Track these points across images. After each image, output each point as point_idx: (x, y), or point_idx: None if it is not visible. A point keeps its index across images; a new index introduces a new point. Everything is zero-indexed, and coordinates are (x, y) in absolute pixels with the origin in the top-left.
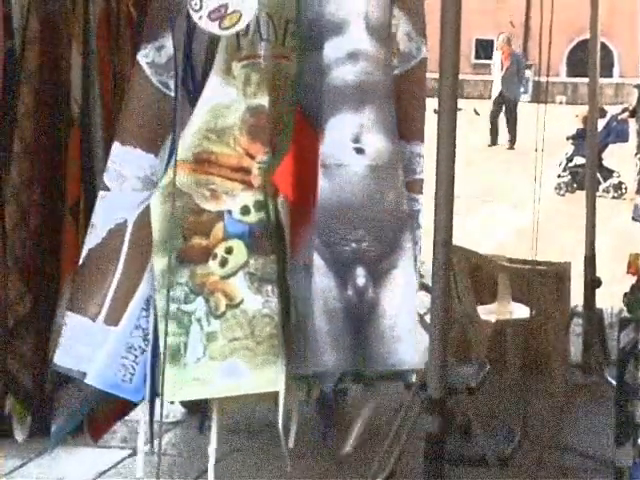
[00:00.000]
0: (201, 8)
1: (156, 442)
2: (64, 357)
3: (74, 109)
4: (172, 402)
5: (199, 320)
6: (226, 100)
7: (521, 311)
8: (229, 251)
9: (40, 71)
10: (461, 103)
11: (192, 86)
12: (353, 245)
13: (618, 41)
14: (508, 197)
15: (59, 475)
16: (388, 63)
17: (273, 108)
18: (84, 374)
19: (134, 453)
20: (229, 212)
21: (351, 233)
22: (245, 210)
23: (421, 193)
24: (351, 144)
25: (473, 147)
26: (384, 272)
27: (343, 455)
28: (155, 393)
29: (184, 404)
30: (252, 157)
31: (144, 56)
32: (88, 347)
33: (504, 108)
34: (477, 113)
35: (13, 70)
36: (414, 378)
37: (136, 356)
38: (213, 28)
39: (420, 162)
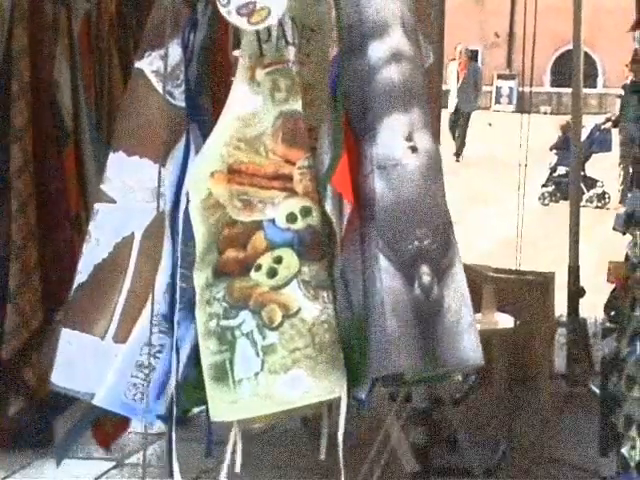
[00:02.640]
0: (229, 3)
1: (141, 454)
2: (65, 378)
3: (68, 124)
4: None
5: (248, 335)
6: (252, 108)
7: (506, 321)
8: (278, 261)
9: (32, 87)
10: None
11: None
12: (416, 243)
13: (602, 52)
14: (492, 207)
15: None
16: (423, 66)
17: (306, 112)
18: (92, 395)
19: (119, 464)
20: (272, 221)
21: (413, 232)
22: (292, 217)
23: None
24: (405, 143)
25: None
26: (445, 269)
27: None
28: (172, 409)
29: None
30: (292, 163)
31: (148, 64)
32: (95, 367)
33: (458, 119)
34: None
35: (2, 87)
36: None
37: (146, 375)
38: (242, 23)
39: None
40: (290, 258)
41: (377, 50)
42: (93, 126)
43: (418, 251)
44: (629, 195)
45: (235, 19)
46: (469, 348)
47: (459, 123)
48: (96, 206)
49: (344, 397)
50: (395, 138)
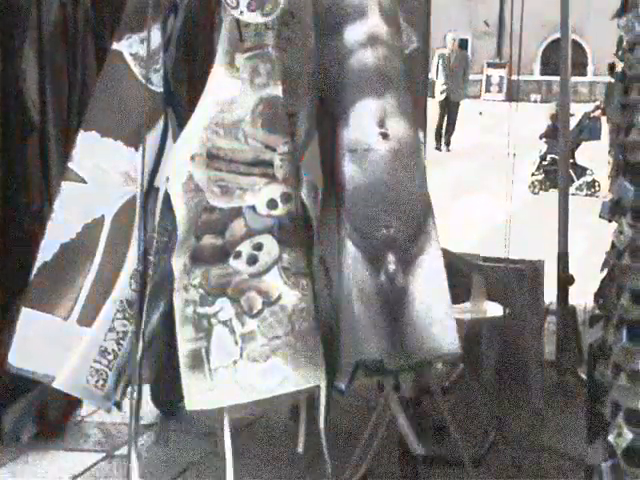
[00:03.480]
0: (238, 4)
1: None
2: (23, 359)
3: (32, 115)
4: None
5: (226, 322)
6: (230, 94)
7: (495, 310)
8: (258, 247)
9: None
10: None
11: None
12: (383, 231)
13: (592, 40)
14: (482, 196)
15: None
16: (402, 51)
17: (286, 97)
18: (52, 378)
19: (108, 456)
20: (252, 208)
21: (381, 218)
22: (272, 204)
23: None
24: (377, 129)
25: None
26: (413, 258)
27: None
28: (140, 396)
29: (159, 407)
30: (273, 149)
31: (128, 47)
32: (56, 348)
33: (447, 109)
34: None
35: None
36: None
37: (109, 361)
38: (257, 18)
39: (422, 149)
40: (270, 245)
41: (353, 33)
42: (61, 118)
43: (385, 238)
44: (615, 183)
45: (248, 17)
46: (443, 337)
47: (448, 113)
48: (63, 184)
49: (323, 386)
50: (366, 123)
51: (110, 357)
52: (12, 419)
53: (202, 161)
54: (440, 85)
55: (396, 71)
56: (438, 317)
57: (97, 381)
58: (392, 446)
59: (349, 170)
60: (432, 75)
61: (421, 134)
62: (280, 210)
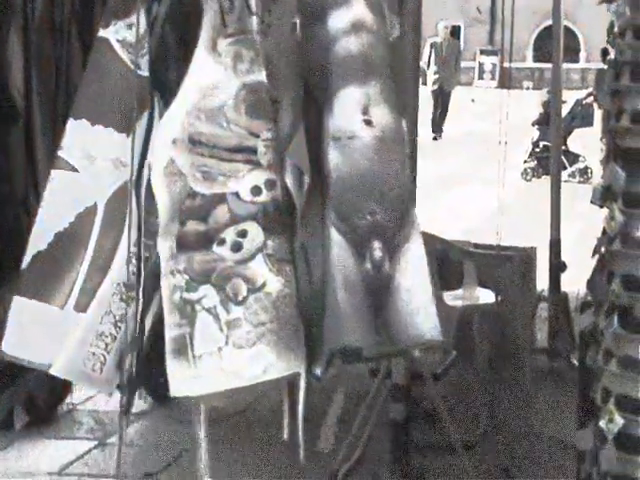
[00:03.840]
0: None
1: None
2: (18, 347)
3: (18, 103)
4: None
5: (210, 309)
6: (213, 79)
7: (487, 296)
8: (243, 234)
9: None
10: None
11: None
12: (368, 218)
13: (584, 26)
14: (474, 183)
15: (25, 468)
16: (387, 38)
17: (270, 84)
18: (47, 365)
19: (100, 444)
20: (235, 194)
21: (365, 206)
22: (256, 190)
23: None
24: (361, 116)
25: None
26: (398, 245)
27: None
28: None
29: (152, 394)
30: (256, 136)
31: (114, 32)
32: (53, 337)
33: (439, 98)
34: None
35: None
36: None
37: (107, 344)
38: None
39: (406, 137)
40: (255, 231)
41: (337, 20)
42: (47, 107)
43: (370, 226)
44: (606, 168)
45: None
46: (425, 325)
47: (440, 102)
48: (53, 173)
49: (303, 373)
50: (350, 110)
51: (107, 340)
52: (2, 408)
53: (184, 146)
54: (432, 74)
55: (380, 59)
56: (421, 305)
57: (94, 365)
58: (384, 432)
59: (333, 158)
60: (424, 64)
61: (404, 122)
62: (264, 197)
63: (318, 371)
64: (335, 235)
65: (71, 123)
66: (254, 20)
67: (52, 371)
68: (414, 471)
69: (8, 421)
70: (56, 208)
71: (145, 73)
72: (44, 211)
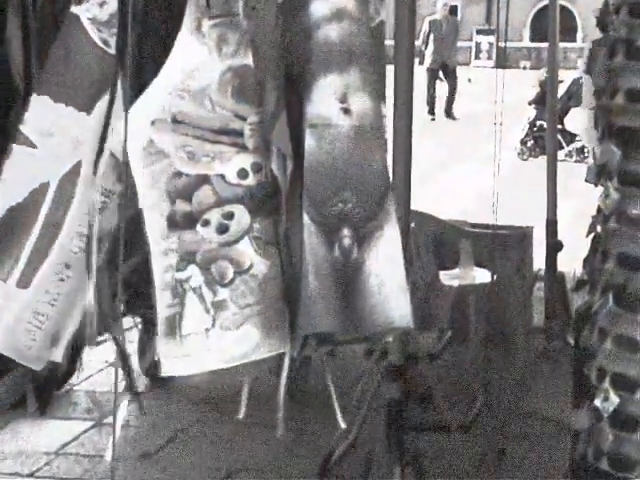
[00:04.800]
0: None
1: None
2: None
3: (18, 84)
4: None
5: (195, 290)
6: (196, 60)
7: (483, 276)
8: (229, 216)
9: None
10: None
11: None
12: (340, 205)
13: (581, 5)
14: (471, 163)
15: (21, 448)
16: (369, 25)
17: (255, 67)
18: None
19: (97, 424)
20: (221, 176)
21: (338, 194)
22: (243, 173)
23: None
24: (338, 104)
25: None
26: (369, 234)
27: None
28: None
29: (149, 374)
30: (243, 119)
31: (85, 10)
32: None
33: (443, 76)
34: (440, 79)
35: None
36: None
37: (41, 322)
38: None
39: (385, 124)
40: (241, 214)
41: (319, 7)
42: None
43: (341, 213)
44: (601, 147)
45: None
46: (396, 311)
47: (447, 80)
48: (14, 147)
49: (288, 353)
50: (328, 98)
51: (42, 318)
52: (15, 391)
53: (166, 126)
54: (431, 53)
55: (361, 46)
56: (392, 292)
57: (26, 341)
58: (379, 413)
59: (309, 145)
60: (421, 42)
61: (383, 108)
62: (251, 180)
63: (294, 353)
64: (307, 221)
65: (35, 98)
66: (240, 3)
67: None
68: (409, 452)
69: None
70: (12, 183)
71: (113, 51)
72: (1, 185)
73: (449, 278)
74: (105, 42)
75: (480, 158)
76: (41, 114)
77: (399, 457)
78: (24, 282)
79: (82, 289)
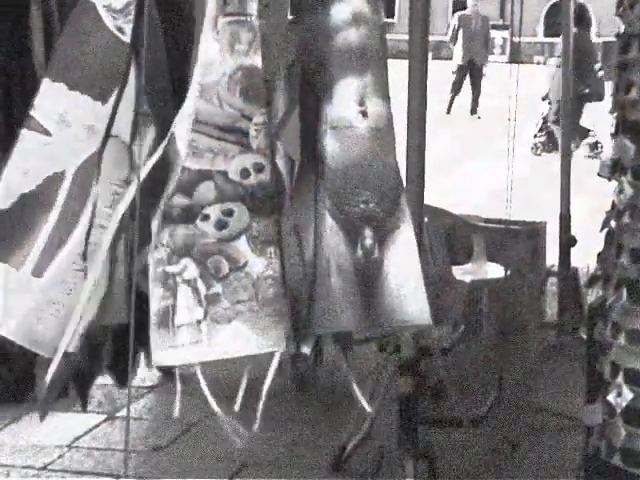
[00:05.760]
0: None
1: (132, 406)
2: None
3: (38, 70)
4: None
5: (189, 282)
6: (210, 55)
7: (496, 271)
8: (229, 213)
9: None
10: (437, 65)
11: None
12: (362, 206)
13: (596, 1)
14: (485, 158)
15: (34, 441)
16: (379, 27)
17: (265, 68)
18: None
19: (109, 418)
20: (223, 173)
21: (359, 194)
22: (245, 173)
23: None
24: (357, 107)
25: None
26: (387, 233)
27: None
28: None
29: (160, 368)
30: (249, 119)
31: None
32: (7, 297)
33: (469, 74)
34: (454, 74)
35: None
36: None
37: (58, 310)
38: None
39: (393, 123)
40: (241, 212)
41: (339, 12)
42: None
43: (363, 213)
44: (615, 141)
45: None
46: (414, 309)
47: (472, 78)
48: (23, 132)
49: (279, 352)
50: (348, 101)
51: (58, 307)
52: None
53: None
54: (460, 48)
55: (376, 49)
56: (410, 290)
57: (41, 329)
58: (392, 406)
59: (330, 146)
60: (449, 38)
61: (390, 108)
62: (252, 180)
63: (307, 350)
64: (329, 221)
65: (49, 85)
66: (254, 4)
67: (3, 332)
68: (421, 446)
69: (20, 394)
70: (25, 169)
71: (127, 39)
72: (10, 170)
73: (462, 273)
74: (120, 29)
75: (493, 153)
76: (56, 101)
77: (411, 451)
78: (39, 270)
79: (100, 280)
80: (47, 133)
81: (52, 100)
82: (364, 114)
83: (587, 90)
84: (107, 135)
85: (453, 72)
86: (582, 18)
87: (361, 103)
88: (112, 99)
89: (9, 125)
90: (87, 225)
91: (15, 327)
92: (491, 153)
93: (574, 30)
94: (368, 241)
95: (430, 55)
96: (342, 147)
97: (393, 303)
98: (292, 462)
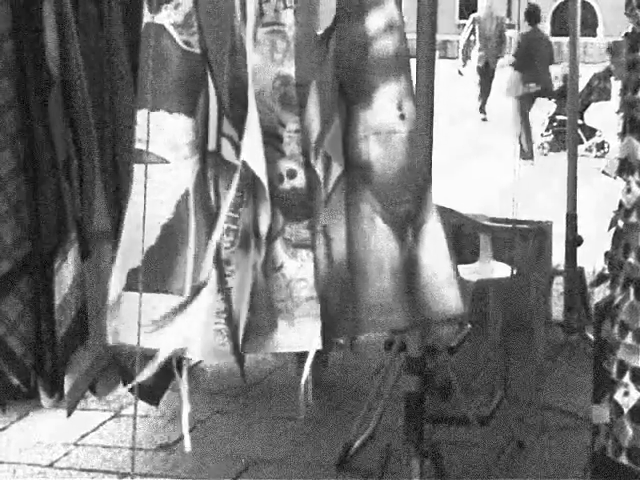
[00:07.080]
0: None
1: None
2: (148, 340)
3: (53, 70)
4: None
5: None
6: (254, 65)
7: (502, 270)
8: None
9: (14, 32)
10: (445, 64)
11: None
12: (406, 206)
13: (603, 1)
14: (491, 158)
15: (41, 438)
16: (404, 33)
17: (298, 76)
18: (183, 350)
19: (116, 415)
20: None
21: (403, 194)
22: (279, 178)
23: None
24: (397, 111)
25: (459, 109)
26: (419, 227)
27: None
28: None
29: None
30: (283, 126)
31: (167, 17)
32: (181, 323)
33: (485, 76)
34: (461, 74)
35: None
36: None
37: (225, 318)
38: None
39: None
40: (277, 215)
41: (375, 20)
42: (89, 71)
43: (407, 213)
44: (622, 141)
45: None
46: (449, 299)
47: (484, 78)
48: (137, 167)
49: (312, 350)
50: (389, 106)
51: (224, 315)
52: (75, 375)
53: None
54: (477, 50)
55: (406, 54)
56: (444, 281)
57: (220, 340)
58: (398, 405)
59: (375, 152)
60: (461, 38)
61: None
62: (286, 184)
63: (342, 340)
64: (380, 223)
65: (148, 115)
66: (289, 13)
67: (189, 356)
68: (427, 444)
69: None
70: (160, 200)
71: (197, 50)
72: (136, 205)
73: (468, 272)
74: (187, 43)
75: (500, 152)
76: (160, 129)
77: (417, 449)
78: (196, 289)
79: (246, 280)
80: (165, 161)
81: (159, 128)
82: (402, 117)
83: (537, 86)
84: (205, 148)
85: (460, 73)
86: (532, 15)
87: (400, 107)
88: (200, 111)
89: (24, 122)
90: (219, 233)
91: (199, 348)
92: (497, 152)
93: (527, 27)
94: (410, 238)
95: (437, 54)
96: (387, 152)
97: (430, 294)
98: (297, 460)
